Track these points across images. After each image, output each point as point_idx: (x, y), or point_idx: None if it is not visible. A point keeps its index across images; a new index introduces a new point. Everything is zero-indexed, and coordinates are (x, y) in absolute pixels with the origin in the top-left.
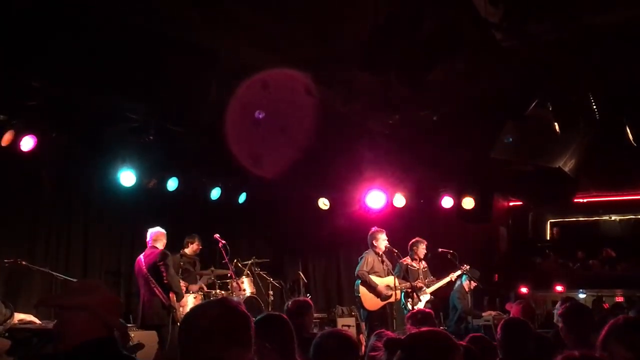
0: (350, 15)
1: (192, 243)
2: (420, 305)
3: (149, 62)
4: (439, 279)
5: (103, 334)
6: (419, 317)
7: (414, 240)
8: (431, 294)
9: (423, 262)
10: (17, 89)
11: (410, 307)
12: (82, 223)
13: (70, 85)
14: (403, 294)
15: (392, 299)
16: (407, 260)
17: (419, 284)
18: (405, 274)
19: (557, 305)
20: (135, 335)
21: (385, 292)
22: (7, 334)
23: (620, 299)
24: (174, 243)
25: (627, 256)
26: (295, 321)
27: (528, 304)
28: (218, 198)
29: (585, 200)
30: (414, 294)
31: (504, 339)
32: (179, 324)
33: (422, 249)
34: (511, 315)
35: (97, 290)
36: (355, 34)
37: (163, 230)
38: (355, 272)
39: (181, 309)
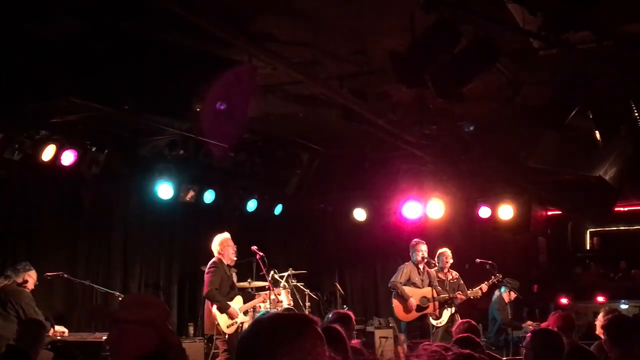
0: (388, 29)
1: None
2: (443, 321)
3: (186, 78)
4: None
5: (159, 349)
6: (463, 329)
7: (438, 251)
8: (471, 304)
9: (453, 273)
10: (57, 105)
11: (433, 322)
12: (121, 236)
13: (109, 101)
14: None
15: (429, 310)
16: (433, 272)
17: (459, 296)
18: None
19: (599, 316)
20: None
21: (419, 303)
22: (49, 346)
23: None
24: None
25: None
26: None
27: (567, 314)
28: (254, 210)
29: (626, 209)
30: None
31: (532, 351)
32: (223, 335)
33: (444, 259)
34: (549, 325)
35: (158, 305)
36: (393, 46)
37: (219, 237)
38: (389, 283)
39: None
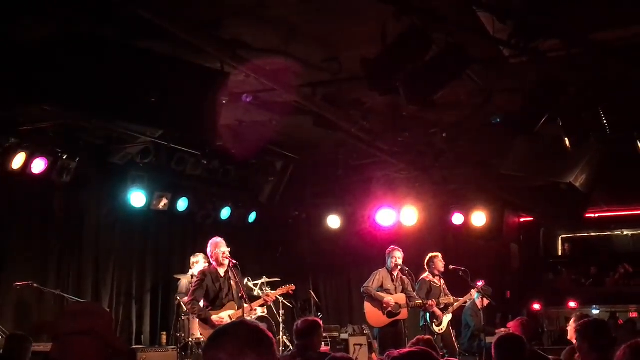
0: (360, 36)
1: (197, 263)
2: (444, 327)
3: (159, 85)
4: (455, 297)
5: (108, 358)
6: (422, 345)
7: (430, 255)
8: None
9: (442, 279)
10: (27, 113)
11: (436, 329)
12: (93, 244)
13: (81, 108)
14: (429, 315)
15: (400, 317)
16: (429, 277)
17: (430, 303)
18: (428, 292)
19: (571, 322)
20: (149, 356)
21: (391, 308)
22: None
23: (634, 315)
24: (185, 264)
25: None
26: (304, 340)
27: (526, 320)
28: (228, 218)
29: (596, 215)
30: (432, 314)
31: (498, 357)
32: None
33: (440, 263)
34: (511, 332)
35: (100, 313)
36: (365, 54)
37: (212, 241)
38: (362, 288)
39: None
